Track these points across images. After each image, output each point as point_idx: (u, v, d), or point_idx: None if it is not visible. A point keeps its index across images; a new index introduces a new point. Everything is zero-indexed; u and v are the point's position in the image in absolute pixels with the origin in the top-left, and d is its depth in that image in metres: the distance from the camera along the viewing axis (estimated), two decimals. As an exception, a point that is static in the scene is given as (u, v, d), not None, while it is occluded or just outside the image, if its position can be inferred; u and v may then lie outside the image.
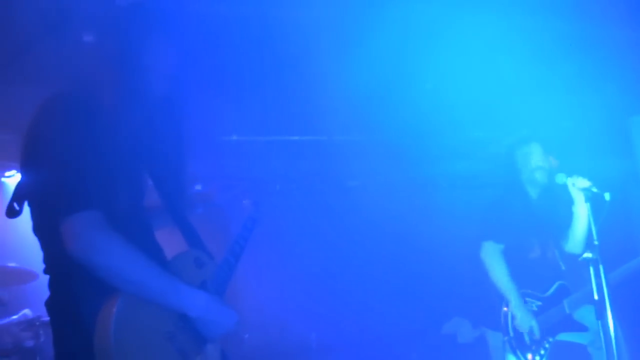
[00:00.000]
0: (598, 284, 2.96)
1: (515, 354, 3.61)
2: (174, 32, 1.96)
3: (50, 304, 1.82)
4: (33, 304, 4.24)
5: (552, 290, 3.84)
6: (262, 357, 5.16)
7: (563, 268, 3.92)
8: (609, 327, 2.96)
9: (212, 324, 1.87)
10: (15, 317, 4.15)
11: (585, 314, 3.74)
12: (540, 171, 3.87)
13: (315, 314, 5.38)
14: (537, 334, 3.60)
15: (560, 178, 3.44)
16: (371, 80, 4.58)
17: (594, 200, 3.06)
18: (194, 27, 2.14)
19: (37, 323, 4.02)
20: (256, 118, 5.17)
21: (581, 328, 3.77)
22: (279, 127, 5.43)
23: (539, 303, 3.76)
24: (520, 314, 3.61)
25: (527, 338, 3.63)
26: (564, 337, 3.81)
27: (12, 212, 1.83)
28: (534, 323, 3.61)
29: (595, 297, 2.97)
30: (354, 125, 5.47)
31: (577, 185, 3.30)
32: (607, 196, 3.06)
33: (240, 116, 5.10)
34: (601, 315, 2.98)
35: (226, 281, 2.07)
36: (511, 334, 3.62)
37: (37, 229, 1.83)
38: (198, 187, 5.35)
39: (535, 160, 3.90)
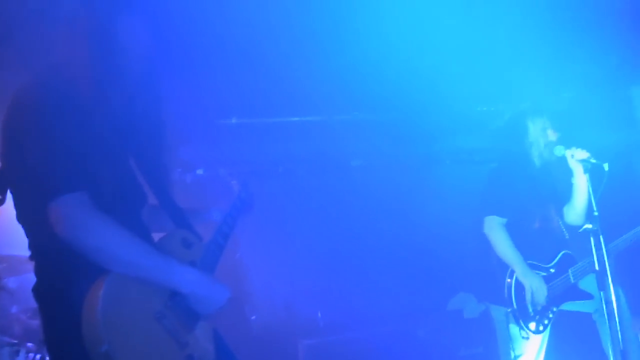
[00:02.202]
0: (599, 255, 2.96)
1: (518, 324, 3.60)
2: (147, 11, 1.94)
3: (37, 290, 1.83)
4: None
5: (556, 259, 3.81)
6: (269, 337, 5.21)
7: (567, 237, 3.90)
8: (611, 297, 2.97)
9: (205, 300, 1.88)
10: None
11: (590, 282, 3.72)
12: (552, 147, 3.82)
13: (322, 293, 5.42)
14: (536, 306, 3.59)
15: (559, 150, 3.42)
16: (369, 57, 4.54)
17: (593, 171, 3.04)
18: (178, 6, 2.12)
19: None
20: (255, 100, 5.15)
21: (586, 296, 3.76)
22: (279, 108, 5.41)
23: (544, 274, 3.74)
24: (529, 281, 3.57)
25: (530, 309, 3.62)
26: (568, 306, 3.81)
27: None
28: (546, 288, 3.59)
29: (597, 267, 2.97)
30: (354, 104, 5.45)
31: (576, 157, 3.28)
32: (606, 167, 3.04)
33: (239, 98, 5.08)
34: (603, 286, 2.98)
35: (215, 261, 2.07)
36: (515, 305, 3.61)
37: (22, 216, 1.85)
38: (199, 171, 5.36)
39: (551, 135, 3.85)
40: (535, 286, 3.56)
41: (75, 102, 1.78)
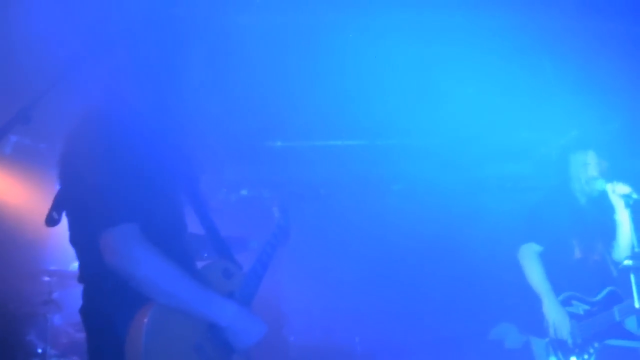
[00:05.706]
0: (639, 293, 2.89)
1: (557, 355, 3.53)
2: (204, 42, 2.01)
3: (84, 312, 1.90)
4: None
5: (602, 295, 3.71)
6: (306, 359, 5.24)
7: (615, 274, 3.80)
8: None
9: (242, 334, 1.92)
10: None
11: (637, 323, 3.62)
12: (594, 182, 3.74)
13: (360, 318, 5.41)
14: (570, 340, 3.51)
15: (600, 184, 3.36)
16: (413, 82, 4.58)
17: (634, 207, 2.98)
18: (232, 37, 2.18)
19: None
20: (300, 123, 5.25)
21: (631, 337, 3.65)
22: (323, 132, 5.49)
23: (587, 307, 3.65)
24: (553, 315, 3.51)
25: (569, 341, 3.54)
26: (614, 341, 3.70)
27: (51, 221, 1.91)
28: (569, 324, 3.51)
29: (636, 305, 2.90)
30: (397, 128, 5.47)
31: (617, 192, 3.21)
32: (648, 202, 2.97)
33: (284, 122, 5.18)
34: (643, 325, 2.91)
35: (254, 291, 2.11)
36: (553, 336, 3.54)
37: (74, 240, 1.91)
38: (244, 192, 5.49)
39: (591, 171, 3.76)
40: (558, 321, 3.49)
41: (135, 135, 1.84)
